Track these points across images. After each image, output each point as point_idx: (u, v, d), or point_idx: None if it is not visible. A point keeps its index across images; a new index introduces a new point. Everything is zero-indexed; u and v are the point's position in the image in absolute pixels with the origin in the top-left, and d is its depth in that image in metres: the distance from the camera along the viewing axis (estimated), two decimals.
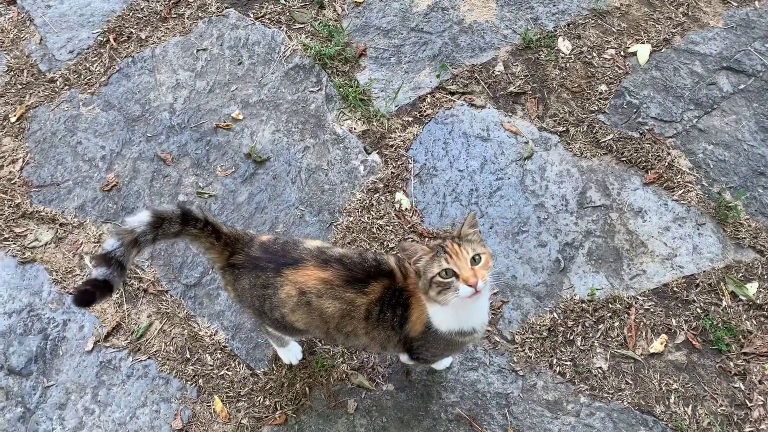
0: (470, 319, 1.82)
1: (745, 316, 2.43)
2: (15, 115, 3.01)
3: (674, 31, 3.08)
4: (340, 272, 1.81)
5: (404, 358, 2.26)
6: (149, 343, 2.49)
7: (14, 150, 2.93)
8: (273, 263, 1.85)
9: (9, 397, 2.40)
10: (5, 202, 2.79)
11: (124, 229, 1.70)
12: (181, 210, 1.77)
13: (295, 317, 1.87)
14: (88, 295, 1.66)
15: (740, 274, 2.50)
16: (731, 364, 2.35)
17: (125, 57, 3.16)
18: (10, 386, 2.42)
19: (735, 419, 2.26)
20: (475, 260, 1.66)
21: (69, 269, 2.64)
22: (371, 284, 1.82)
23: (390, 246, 2.60)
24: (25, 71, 3.15)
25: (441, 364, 2.34)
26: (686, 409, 2.28)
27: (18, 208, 2.78)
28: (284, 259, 1.85)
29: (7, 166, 2.89)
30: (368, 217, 2.68)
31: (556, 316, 2.47)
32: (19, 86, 3.11)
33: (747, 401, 2.29)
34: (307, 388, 2.36)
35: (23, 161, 2.90)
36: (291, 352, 2.36)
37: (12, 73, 3.16)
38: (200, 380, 2.41)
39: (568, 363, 2.38)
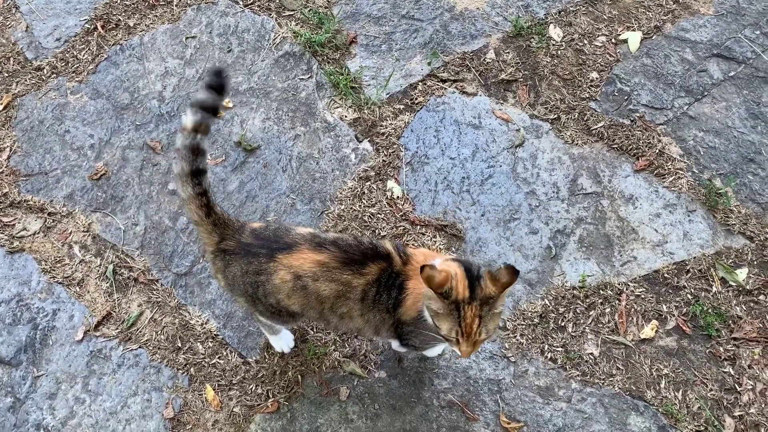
0: None
1: (734, 302, 2.44)
2: (1, 104, 2.97)
3: (665, 18, 3.08)
4: (336, 254, 1.81)
5: (395, 344, 2.26)
6: (140, 332, 2.47)
7: (1, 139, 2.89)
8: (265, 248, 1.84)
9: None
10: None
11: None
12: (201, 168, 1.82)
13: (291, 301, 1.87)
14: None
15: (730, 260, 2.52)
16: (721, 349, 2.37)
17: (113, 45, 3.13)
18: None
19: (725, 403, 2.28)
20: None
21: (58, 258, 2.61)
22: (369, 265, 1.81)
23: (382, 234, 2.59)
24: (11, 59, 3.11)
25: (433, 351, 2.34)
26: (677, 393, 2.30)
27: (6, 198, 2.75)
28: (277, 245, 1.84)
29: None
30: (360, 206, 2.67)
31: (547, 302, 2.47)
32: (6, 74, 3.07)
33: (737, 386, 2.31)
34: (299, 376, 2.36)
35: (10, 150, 2.87)
36: (283, 340, 2.36)
37: None
38: (192, 369, 2.40)
39: (560, 349, 2.39)
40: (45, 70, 3.07)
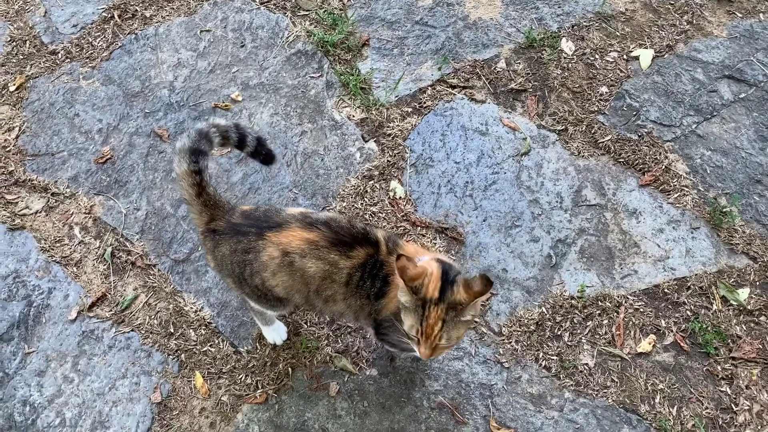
0: None
1: (734, 321, 2.41)
2: (14, 84, 3.00)
3: (678, 38, 3.09)
4: (326, 234, 1.80)
5: (371, 334, 2.24)
6: (133, 315, 2.46)
7: (11, 118, 2.92)
8: (255, 227, 1.84)
9: None
10: None
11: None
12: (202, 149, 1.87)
13: (275, 281, 1.85)
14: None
15: (732, 280, 2.49)
16: (719, 367, 2.33)
17: (128, 34, 3.16)
18: None
19: (720, 422, 2.23)
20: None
21: (58, 238, 2.62)
22: (356, 249, 1.80)
23: None
24: (28, 42, 3.15)
25: (404, 354, 2.31)
26: (671, 409, 2.26)
27: (11, 176, 2.76)
28: (267, 224, 1.84)
29: (2, 134, 2.88)
30: (361, 204, 2.66)
31: (544, 310, 2.45)
32: (21, 57, 3.11)
33: (733, 405, 2.26)
34: (289, 369, 2.34)
35: (19, 130, 2.89)
36: (276, 332, 2.34)
37: (14, 43, 3.15)
38: (182, 355, 2.38)
39: (554, 358, 2.36)
40: (59, 55, 3.10)
